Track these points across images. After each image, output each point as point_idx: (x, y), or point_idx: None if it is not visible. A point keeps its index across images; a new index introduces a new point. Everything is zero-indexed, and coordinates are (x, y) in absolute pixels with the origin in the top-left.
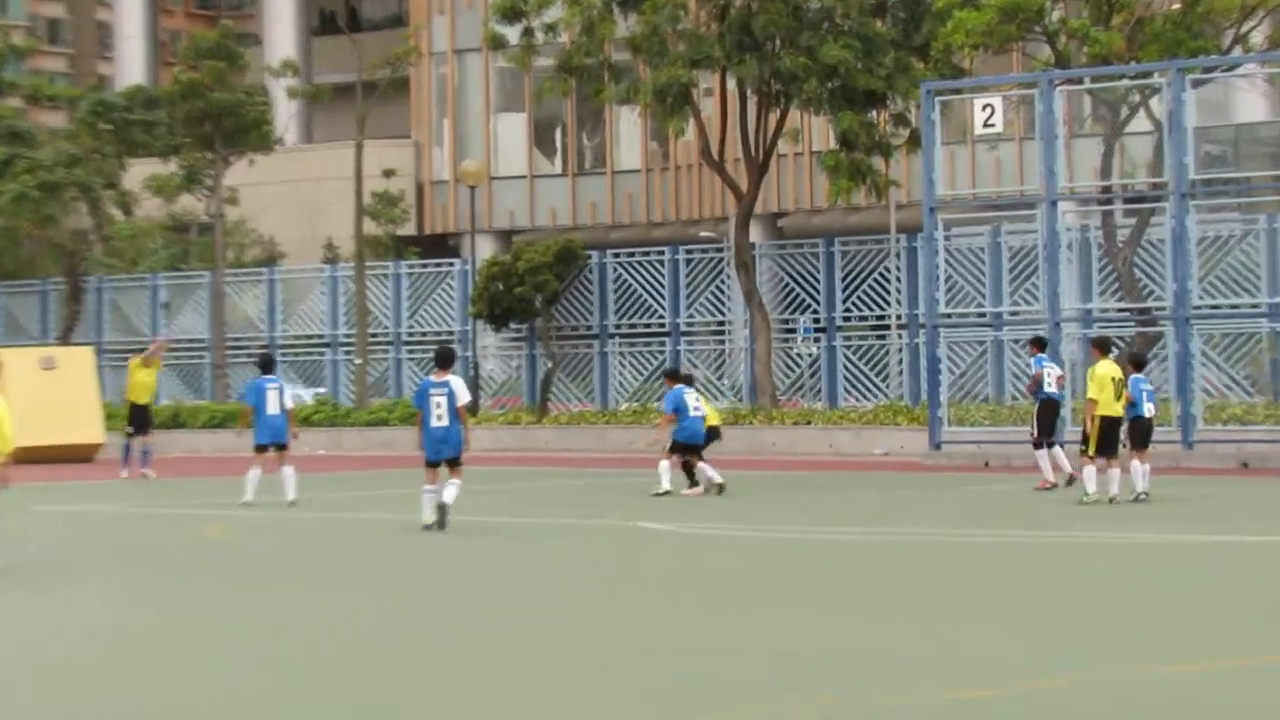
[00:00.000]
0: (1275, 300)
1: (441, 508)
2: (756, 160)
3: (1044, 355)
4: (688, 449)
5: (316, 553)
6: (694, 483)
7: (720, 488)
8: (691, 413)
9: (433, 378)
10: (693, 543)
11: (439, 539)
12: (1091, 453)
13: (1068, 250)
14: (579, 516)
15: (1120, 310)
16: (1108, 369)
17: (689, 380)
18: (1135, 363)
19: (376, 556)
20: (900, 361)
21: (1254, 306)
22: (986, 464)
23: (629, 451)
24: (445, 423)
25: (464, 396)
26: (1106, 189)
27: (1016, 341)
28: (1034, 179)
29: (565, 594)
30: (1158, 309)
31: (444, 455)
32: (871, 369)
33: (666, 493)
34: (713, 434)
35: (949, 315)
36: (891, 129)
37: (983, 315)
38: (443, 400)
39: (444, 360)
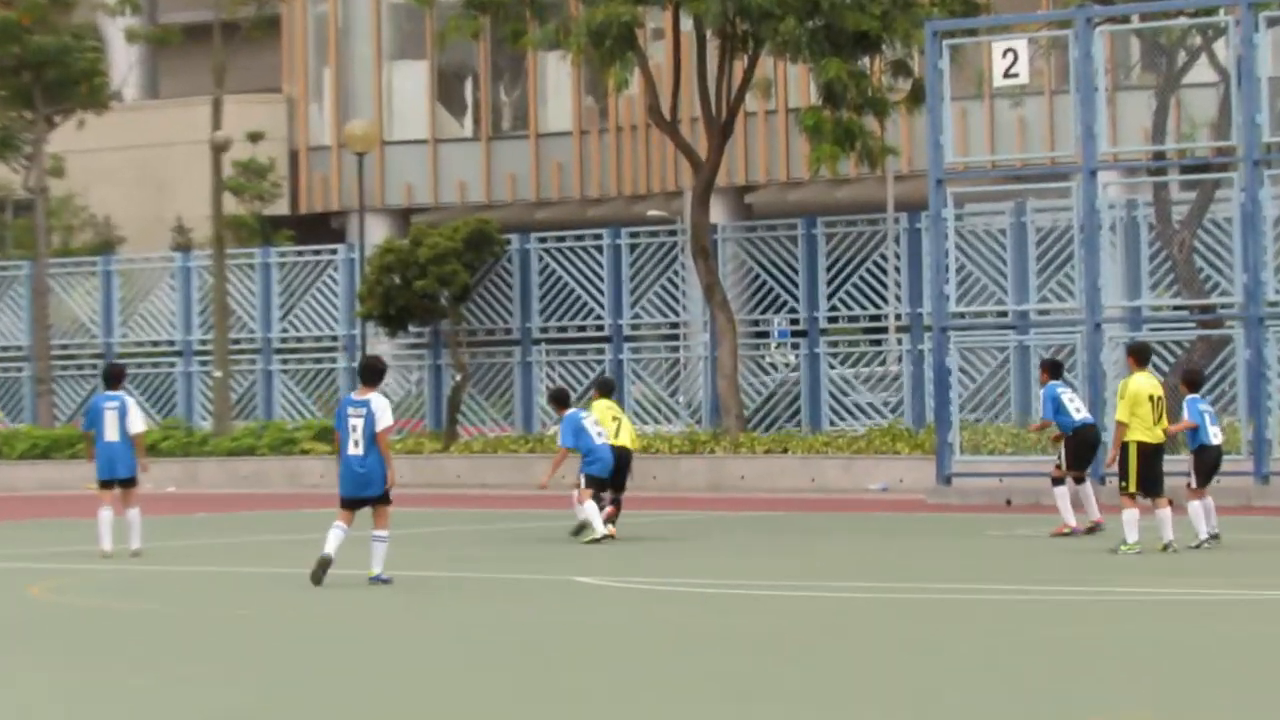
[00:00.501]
0: None
1: (375, 580)
2: (718, 120)
3: (1058, 383)
4: (603, 483)
5: (162, 619)
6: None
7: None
8: (596, 439)
9: (355, 394)
10: (644, 601)
11: (323, 597)
12: (1132, 489)
13: (1110, 233)
14: (500, 570)
15: (1177, 309)
16: (1144, 384)
17: (609, 389)
18: (1190, 381)
19: (245, 627)
20: (900, 373)
21: None
22: (1009, 502)
23: (561, 487)
24: (362, 451)
25: (384, 419)
26: (1159, 155)
27: (1047, 348)
28: (1068, 143)
29: (504, 669)
30: (1224, 307)
31: (364, 494)
32: (865, 382)
33: (598, 538)
34: (621, 459)
35: (961, 315)
36: (889, 81)
37: (1004, 315)
38: (360, 424)
39: (368, 373)
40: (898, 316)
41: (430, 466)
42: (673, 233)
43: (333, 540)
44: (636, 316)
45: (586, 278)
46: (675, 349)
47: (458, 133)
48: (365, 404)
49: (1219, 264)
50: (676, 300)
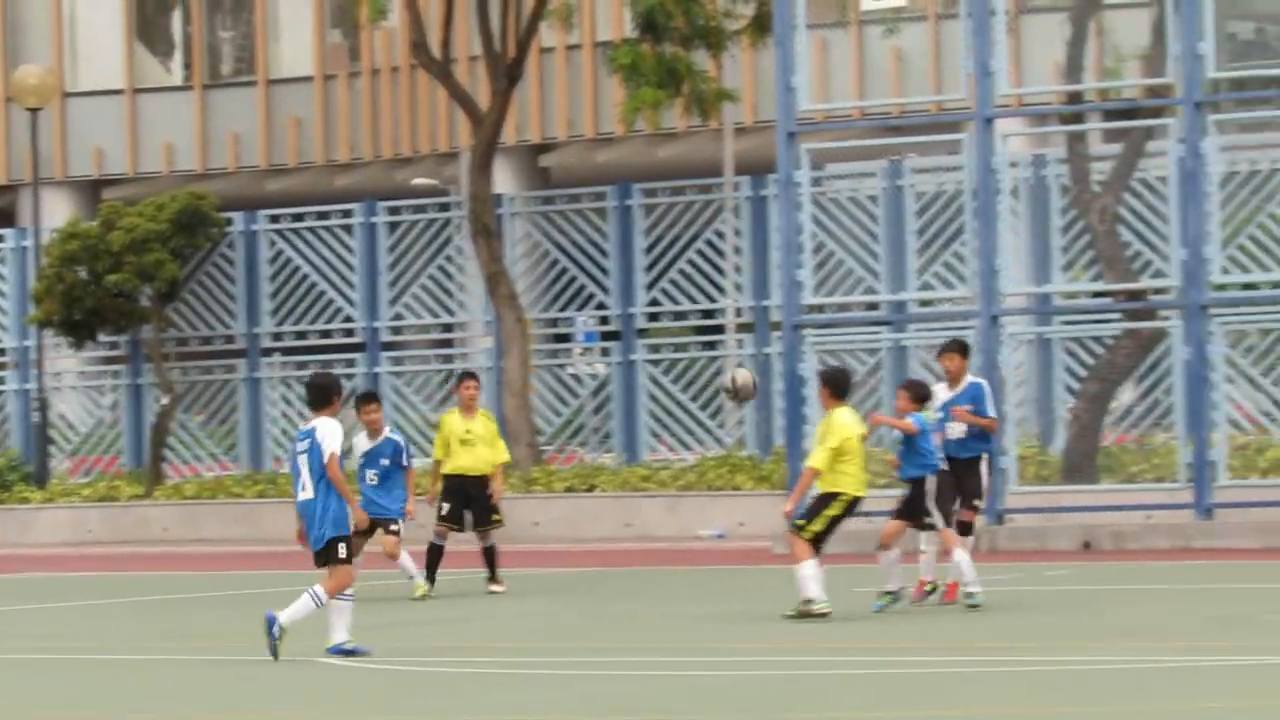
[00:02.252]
0: None
1: (337, 654)
2: (503, 60)
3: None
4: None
5: None
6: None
7: None
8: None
9: (304, 425)
10: (393, 685)
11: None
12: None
13: (1012, 198)
14: (230, 649)
15: (1097, 295)
16: (851, 423)
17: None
18: (917, 395)
19: None
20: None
21: None
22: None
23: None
24: (309, 494)
25: (329, 444)
26: (1075, 98)
27: (932, 348)
28: (957, 84)
29: None
30: (1157, 292)
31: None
32: (696, 398)
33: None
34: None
35: (820, 308)
36: (726, 3)
37: (875, 307)
38: (304, 461)
39: (316, 396)
40: (738, 312)
41: (129, 518)
42: (445, 207)
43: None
44: (399, 317)
45: (333, 268)
46: (449, 359)
47: (162, 80)
48: (310, 434)
49: (1151, 237)
50: (451, 295)
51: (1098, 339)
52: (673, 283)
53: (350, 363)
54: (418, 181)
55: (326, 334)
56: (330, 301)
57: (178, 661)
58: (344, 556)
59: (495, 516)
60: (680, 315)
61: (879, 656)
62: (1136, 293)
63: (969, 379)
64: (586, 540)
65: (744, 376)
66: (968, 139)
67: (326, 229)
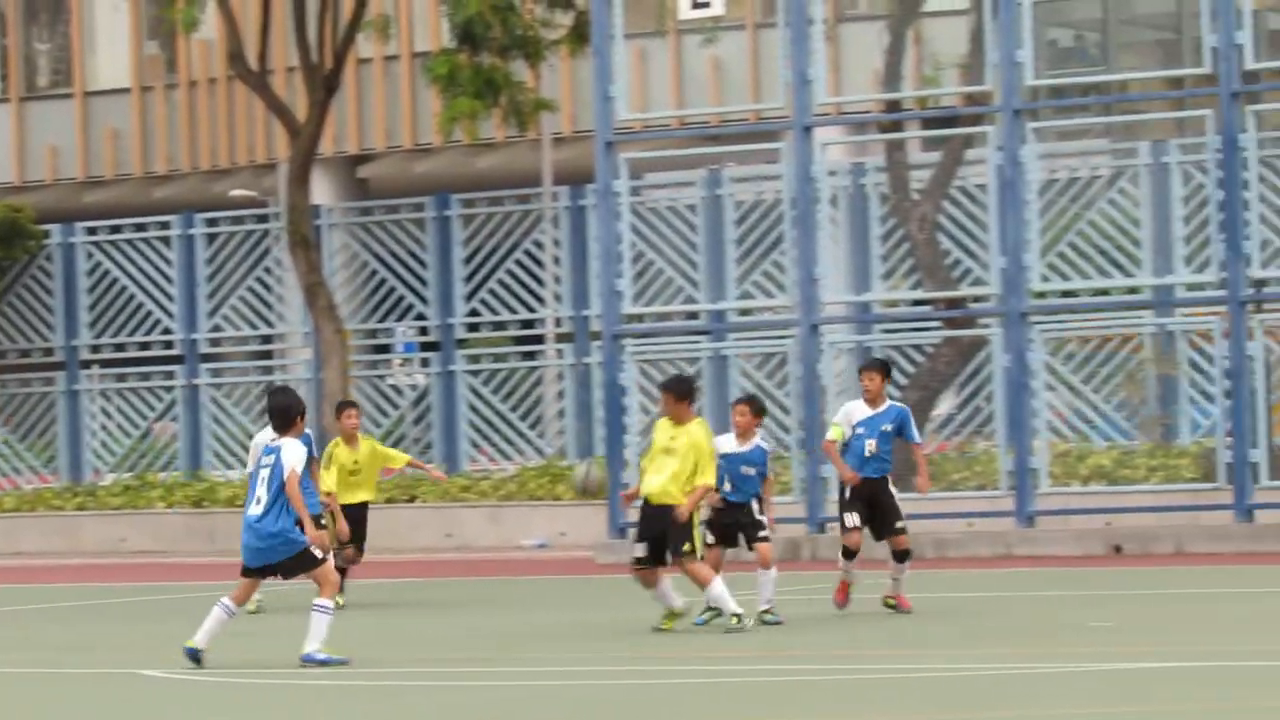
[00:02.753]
0: (1162, 281)
1: (309, 664)
2: (321, 71)
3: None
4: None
5: None
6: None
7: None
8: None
9: (270, 440)
10: (214, 697)
11: None
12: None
13: (831, 207)
14: (43, 662)
15: (917, 304)
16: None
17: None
18: (757, 409)
19: None
20: (562, 395)
21: (1131, 292)
22: (701, 557)
23: (119, 552)
24: (259, 510)
25: (291, 461)
26: (893, 106)
27: (753, 359)
28: (775, 92)
29: None
30: (978, 299)
31: (266, 562)
32: (516, 408)
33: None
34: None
35: (640, 318)
36: (544, 14)
37: (695, 316)
38: (266, 475)
39: (280, 420)
40: (558, 322)
41: None
42: (264, 218)
43: (214, 622)
44: (217, 329)
45: (151, 279)
46: (269, 370)
47: None
48: (275, 449)
49: (971, 245)
50: (270, 306)
51: (918, 347)
52: (492, 293)
53: (169, 375)
54: (236, 193)
55: (145, 346)
56: (149, 313)
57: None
58: (322, 558)
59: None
60: (500, 325)
61: (722, 665)
62: (956, 300)
63: (888, 402)
64: (408, 551)
65: (596, 473)
66: (786, 148)
67: (145, 241)
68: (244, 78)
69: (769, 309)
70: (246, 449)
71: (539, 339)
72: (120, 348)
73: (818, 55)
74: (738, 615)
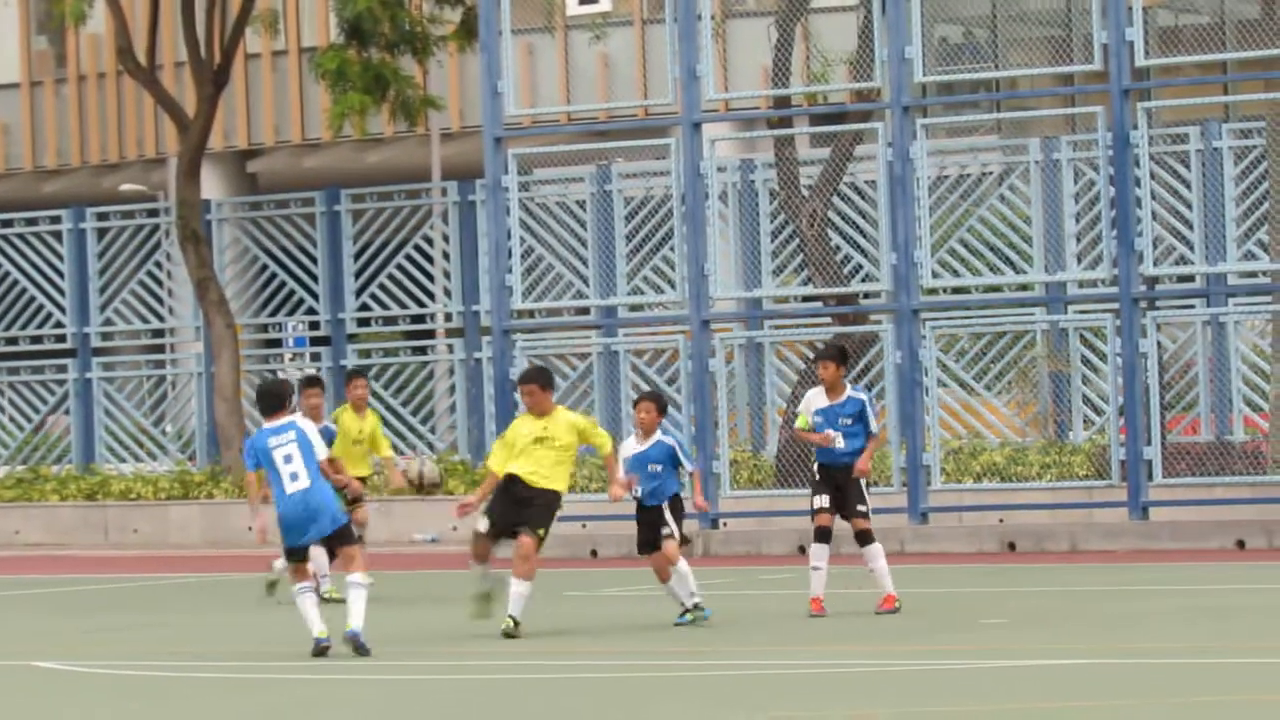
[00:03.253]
0: (1052, 278)
1: (354, 642)
2: (210, 66)
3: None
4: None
5: None
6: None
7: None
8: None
9: (267, 423)
10: (109, 690)
11: None
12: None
13: (720, 203)
14: None
15: (807, 300)
16: None
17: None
18: (661, 405)
19: None
20: (453, 390)
21: (1022, 289)
22: (594, 553)
23: (13, 545)
24: (306, 483)
25: (320, 447)
26: (782, 102)
27: (641, 354)
28: (664, 89)
29: None
30: (868, 295)
31: (313, 536)
32: (406, 402)
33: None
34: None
35: (531, 313)
36: (432, 9)
37: (585, 312)
38: (294, 451)
39: (273, 400)
40: (448, 316)
41: None
42: (154, 213)
43: (310, 608)
44: (109, 323)
45: (42, 273)
46: (161, 364)
47: None
48: (290, 426)
49: (861, 241)
50: (161, 301)
51: (810, 344)
52: (382, 288)
53: (61, 368)
54: (126, 187)
55: (38, 339)
56: (41, 307)
57: None
58: (359, 535)
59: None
60: (390, 320)
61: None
62: (847, 297)
63: (849, 391)
64: None
65: (430, 469)
66: (675, 144)
67: (35, 235)
68: (133, 73)
69: (659, 305)
70: (139, 443)
71: (430, 334)
72: (12, 341)
73: (706, 51)
74: (509, 621)
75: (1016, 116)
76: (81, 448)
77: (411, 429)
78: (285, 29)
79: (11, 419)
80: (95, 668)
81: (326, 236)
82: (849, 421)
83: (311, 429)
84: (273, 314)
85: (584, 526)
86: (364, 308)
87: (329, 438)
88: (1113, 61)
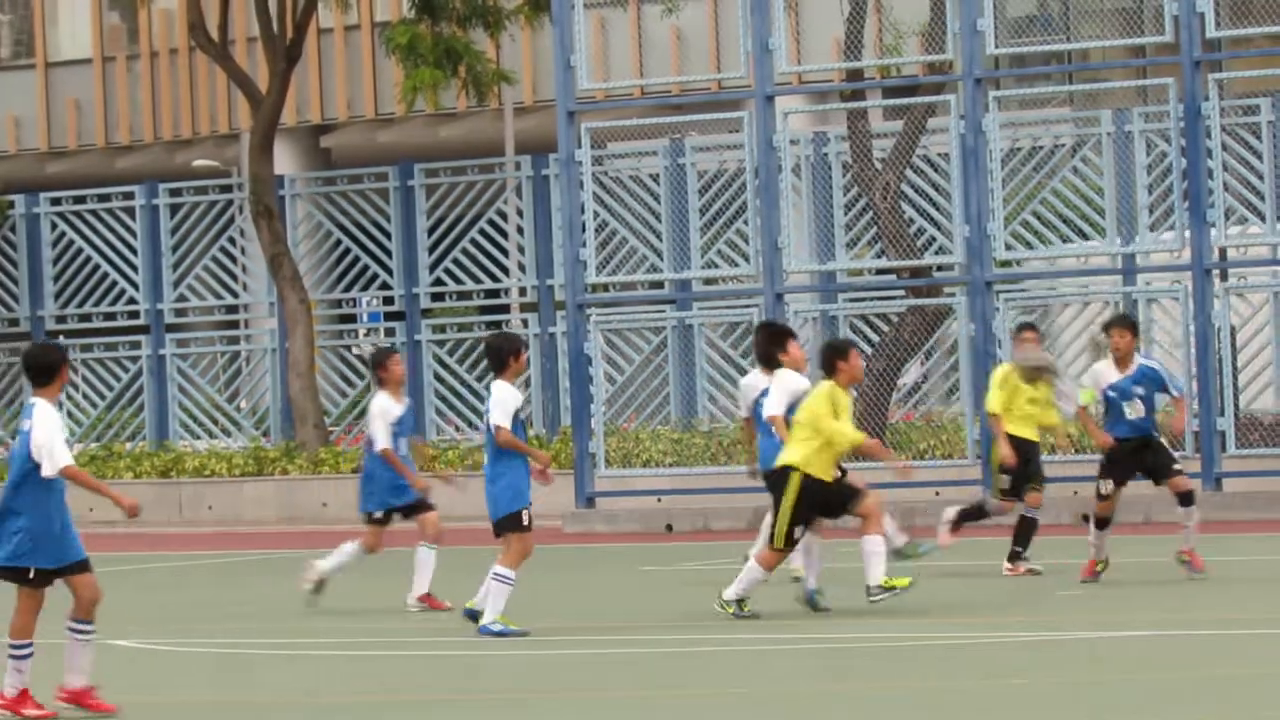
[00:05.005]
0: (1127, 250)
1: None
2: (282, 41)
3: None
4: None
5: None
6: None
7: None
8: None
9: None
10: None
11: None
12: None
13: (794, 176)
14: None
15: (880, 273)
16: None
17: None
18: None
19: None
20: (527, 364)
21: (1087, 260)
22: (669, 528)
23: (85, 522)
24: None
25: (499, 413)
26: (855, 75)
27: (719, 328)
28: (737, 63)
29: None
30: (942, 269)
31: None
32: (482, 377)
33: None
34: None
35: (605, 287)
36: None
37: (659, 286)
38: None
39: (494, 358)
40: (522, 291)
41: None
42: (227, 189)
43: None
44: (182, 299)
45: (115, 250)
46: (234, 340)
47: None
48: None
49: (935, 214)
50: (234, 277)
51: (883, 316)
52: (456, 262)
53: (135, 345)
54: (199, 163)
55: (111, 316)
56: (114, 284)
57: None
58: (527, 524)
59: None
60: (464, 295)
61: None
62: (921, 269)
63: (1139, 360)
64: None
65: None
66: (748, 117)
67: (108, 211)
68: (205, 48)
69: (733, 278)
70: (213, 420)
71: (504, 308)
72: (86, 318)
73: (779, 24)
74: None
75: (1088, 88)
76: (155, 424)
77: (480, 401)
78: (357, 3)
79: (85, 396)
80: (177, 645)
81: (400, 211)
82: (1141, 392)
83: (500, 404)
84: (346, 289)
85: (659, 501)
86: (438, 283)
87: (410, 421)
88: (1183, 33)
